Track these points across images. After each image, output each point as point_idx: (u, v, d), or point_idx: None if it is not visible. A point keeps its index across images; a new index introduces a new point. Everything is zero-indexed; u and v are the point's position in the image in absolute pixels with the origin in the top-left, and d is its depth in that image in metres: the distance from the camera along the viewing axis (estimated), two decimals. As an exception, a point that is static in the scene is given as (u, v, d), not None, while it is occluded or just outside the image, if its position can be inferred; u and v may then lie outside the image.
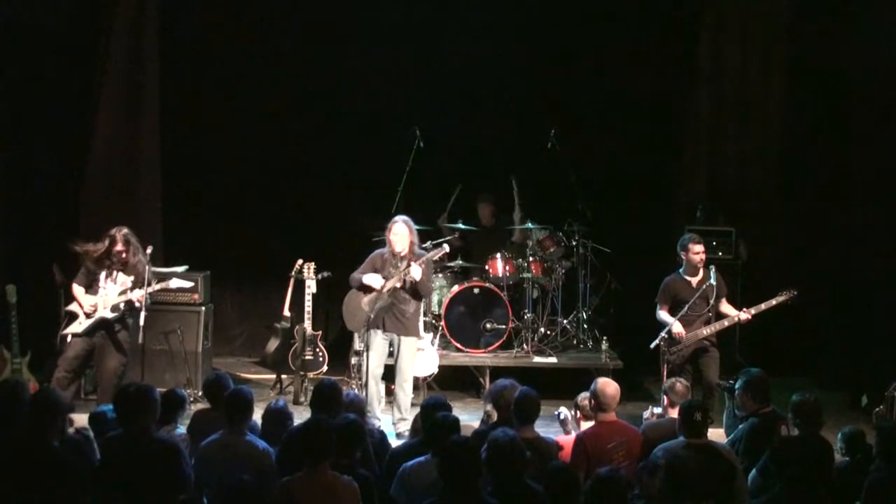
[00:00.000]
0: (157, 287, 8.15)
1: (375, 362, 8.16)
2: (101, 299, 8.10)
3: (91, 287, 8.18)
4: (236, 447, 5.66)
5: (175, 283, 8.40)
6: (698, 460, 5.47)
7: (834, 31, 10.42)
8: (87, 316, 8.09)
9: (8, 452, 5.20)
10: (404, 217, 8.35)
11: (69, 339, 8.11)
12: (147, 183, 10.76)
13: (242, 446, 5.67)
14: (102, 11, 10.43)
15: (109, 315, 8.10)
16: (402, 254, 8.17)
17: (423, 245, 9.70)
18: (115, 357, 8.13)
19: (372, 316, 8.06)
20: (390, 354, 8.34)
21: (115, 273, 8.18)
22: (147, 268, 8.08)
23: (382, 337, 8.18)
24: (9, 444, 5.26)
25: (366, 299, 8.19)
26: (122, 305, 8.10)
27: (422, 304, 8.66)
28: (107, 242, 8.16)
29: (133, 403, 5.45)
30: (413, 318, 8.33)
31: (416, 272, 8.02)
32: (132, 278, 8.13)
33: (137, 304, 8.05)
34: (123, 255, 8.14)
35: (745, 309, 8.07)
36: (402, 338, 8.23)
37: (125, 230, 8.20)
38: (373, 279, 8.17)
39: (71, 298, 8.26)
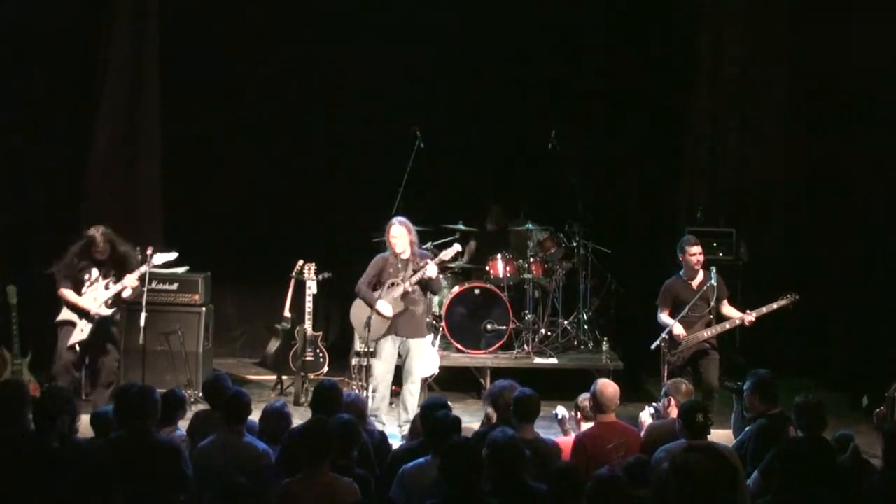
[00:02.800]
0: (143, 270, 7.96)
1: (387, 369, 8.10)
2: (92, 299, 8.02)
3: (77, 289, 8.06)
4: (235, 448, 5.66)
5: (158, 258, 8.13)
6: (701, 462, 5.45)
7: (835, 30, 10.41)
8: (89, 319, 8.01)
9: (8, 453, 5.20)
10: (400, 218, 8.26)
11: (77, 348, 8.04)
12: (147, 183, 10.76)
13: (241, 447, 5.68)
14: (102, 12, 10.44)
15: (108, 312, 8.06)
16: (404, 255, 8.12)
17: (424, 245, 9.73)
18: (112, 353, 8.14)
19: (388, 323, 8.01)
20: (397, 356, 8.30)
21: (94, 272, 8.06)
22: (137, 255, 8.02)
23: (393, 341, 8.09)
24: (9, 445, 5.26)
25: (385, 309, 8.04)
26: (115, 297, 8.03)
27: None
28: (84, 243, 8.04)
29: (134, 405, 5.45)
30: (422, 317, 8.30)
31: (432, 270, 7.99)
32: (114, 272, 8.03)
33: (130, 292, 8.00)
34: (105, 254, 8.01)
35: (748, 311, 8.06)
36: (414, 339, 8.17)
37: (103, 228, 8.08)
38: (384, 308, 8.00)
39: (58, 307, 8.07)
